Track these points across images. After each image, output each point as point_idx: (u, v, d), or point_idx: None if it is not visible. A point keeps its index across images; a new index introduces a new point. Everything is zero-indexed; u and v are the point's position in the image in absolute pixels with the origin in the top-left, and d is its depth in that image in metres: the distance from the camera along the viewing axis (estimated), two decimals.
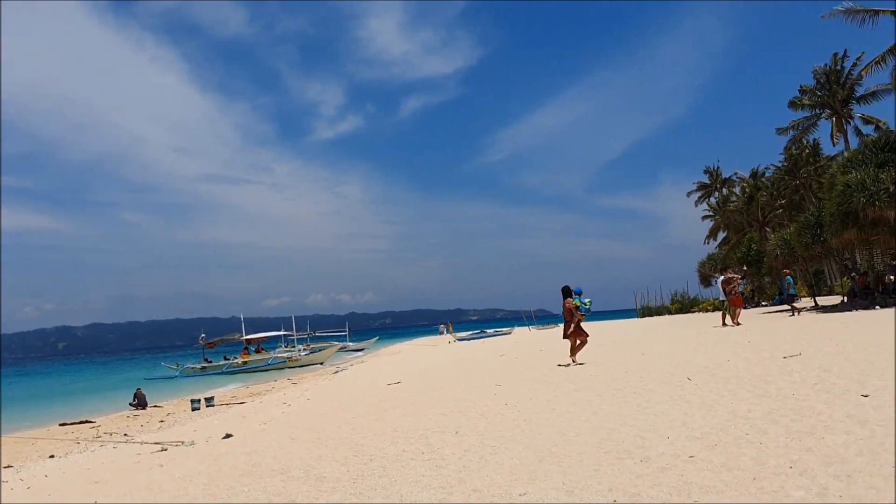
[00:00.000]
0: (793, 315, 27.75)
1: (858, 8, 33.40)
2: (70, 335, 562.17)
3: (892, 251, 29.57)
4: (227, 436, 11.38)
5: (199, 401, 23.54)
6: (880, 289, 29.35)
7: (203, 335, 53.66)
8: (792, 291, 31.34)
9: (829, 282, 50.83)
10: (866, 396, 7.33)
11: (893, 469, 4.85)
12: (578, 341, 15.43)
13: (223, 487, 7.24)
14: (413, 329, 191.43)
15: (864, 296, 30.05)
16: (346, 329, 74.91)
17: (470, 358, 24.02)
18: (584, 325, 15.54)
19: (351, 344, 67.65)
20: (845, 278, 43.56)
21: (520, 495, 5.57)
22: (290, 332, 58.32)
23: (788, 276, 32.01)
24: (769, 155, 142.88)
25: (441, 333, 77.41)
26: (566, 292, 15.33)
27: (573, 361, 15.32)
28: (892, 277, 29.12)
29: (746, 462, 5.59)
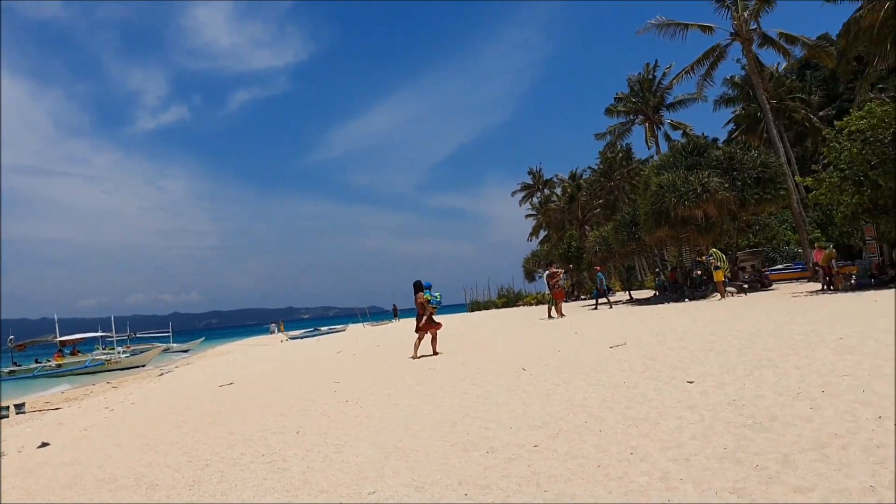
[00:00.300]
0: (604, 307, 29.44)
1: (669, 21, 35.92)
2: None
3: (699, 248, 32.02)
4: (44, 444, 10.45)
5: (7, 408, 21.53)
6: (688, 283, 31.72)
7: (12, 337, 49.27)
8: (605, 286, 33.48)
9: (639, 277, 54.35)
10: (691, 383, 7.84)
11: (724, 450, 5.20)
12: (431, 334, 15.73)
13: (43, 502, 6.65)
14: (242, 329, 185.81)
15: (674, 289, 32.43)
16: (170, 330, 71.32)
17: (305, 356, 23.59)
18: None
19: (175, 345, 64.52)
20: (655, 273, 46.95)
21: (369, 494, 5.48)
22: (108, 334, 54.77)
23: (599, 273, 34.06)
24: (587, 158, 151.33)
25: (272, 333, 75.64)
26: (417, 287, 15.63)
27: (434, 352, 15.67)
28: (698, 272, 31.53)
29: (589, 450, 5.79)
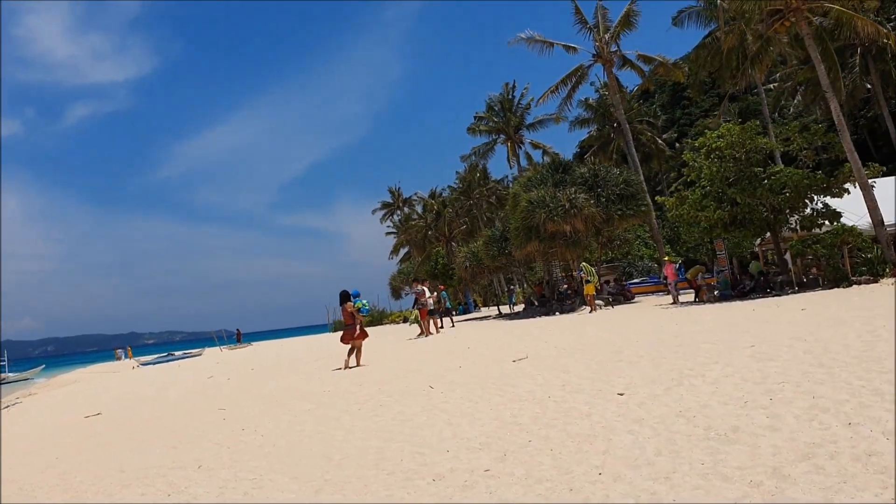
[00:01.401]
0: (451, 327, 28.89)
1: (537, 37, 36.79)
2: None
3: (565, 262, 32.72)
4: None
5: None
6: (556, 297, 32.30)
7: None
8: (448, 305, 32.92)
9: (497, 292, 55.00)
10: (622, 395, 7.61)
11: (702, 465, 4.92)
12: (354, 345, 15.51)
13: None
14: (81, 356, 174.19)
15: (542, 303, 32.94)
16: (4, 358, 65.41)
17: (171, 383, 21.96)
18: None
19: (11, 375, 59.25)
20: (514, 288, 47.73)
21: None
22: None
23: (443, 291, 33.37)
24: (444, 177, 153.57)
25: (119, 359, 70.93)
26: (345, 297, 15.58)
27: (357, 364, 15.46)
28: (565, 286, 32.20)
29: (550, 472, 5.36)
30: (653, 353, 10.27)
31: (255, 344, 54.06)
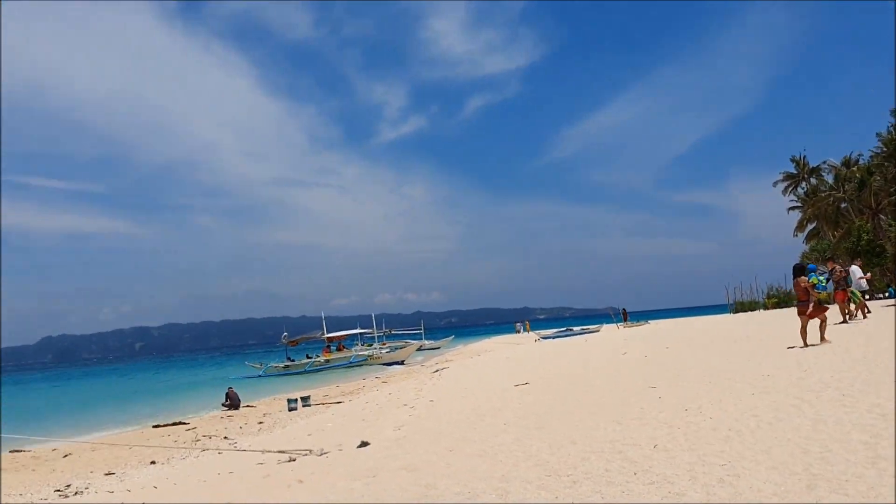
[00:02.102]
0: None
1: None
2: (147, 335, 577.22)
3: None
4: (363, 444, 10.00)
5: (295, 400, 22.55)
6: None
7: (286, 334, 53.03)
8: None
9: None
10: None
11: None
12: (819, 319, 14.52)
13: None
14: (481, 328, 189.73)
15: None
16: (421, 327, 73.58)
17: (584, 357, 22.33)
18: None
19: (427, 342, 66.45)
20: None
21: None
22: (366, 330, 57.39)
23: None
24: (862, 142, 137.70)
25: (518, 332, 75.68)
26: (798, 270, 14.83)
27: (822, 340, 14.40)
28: None
29: None
30: None
31: (652, 322, 53.48)
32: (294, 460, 9.89)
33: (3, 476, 14.45)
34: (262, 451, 11.00)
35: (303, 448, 10.80)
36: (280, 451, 10.51)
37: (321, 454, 9.98)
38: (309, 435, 13.72)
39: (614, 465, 6.55)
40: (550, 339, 46.58)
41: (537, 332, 58.37)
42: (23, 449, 18.41)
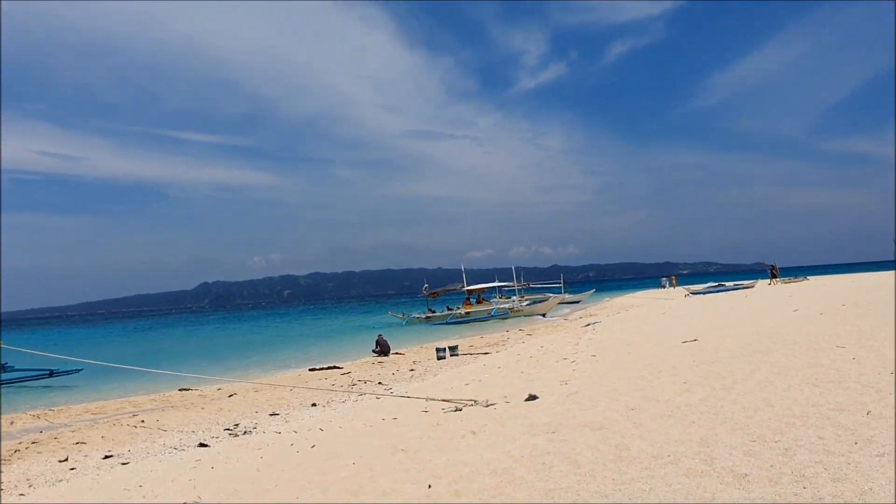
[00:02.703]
0: None
1: None
2: (294, 283, 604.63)
3: None
4: (531, 397, 9.54)
5: (444, 349, 22.61)
6: None
7: (426, 285, 53.50)
8: None
9: None
10: None
11: None
12: None
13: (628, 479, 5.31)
14: (620, 283, 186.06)
15: None
16: (561, 281, 72.62)
17: (748, 312, 20.96)
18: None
19: (568, 296, 65.55)
20: None
21: None
22: (505, 283, 57.09)
23: None
24: None
25: (664, 287, 73.45)
26: None
27: None
28: None
29: None
30: None
31: (810, 279, 50.25)
32: (460, 410, 9.59)
33: (174, 413, 15.13)
34: (427, 399, 10.79)
35: (467, 398, 10.49)
36: (444, 400, 10.24)
37: (487, 405, 9.62)
38: (466, 384, 13.43)
39: (827, 433, 5.79)
40: (700, 295, 44.68)
41: (686, 287, 56.22)
42: (191, 388, 19.32)
